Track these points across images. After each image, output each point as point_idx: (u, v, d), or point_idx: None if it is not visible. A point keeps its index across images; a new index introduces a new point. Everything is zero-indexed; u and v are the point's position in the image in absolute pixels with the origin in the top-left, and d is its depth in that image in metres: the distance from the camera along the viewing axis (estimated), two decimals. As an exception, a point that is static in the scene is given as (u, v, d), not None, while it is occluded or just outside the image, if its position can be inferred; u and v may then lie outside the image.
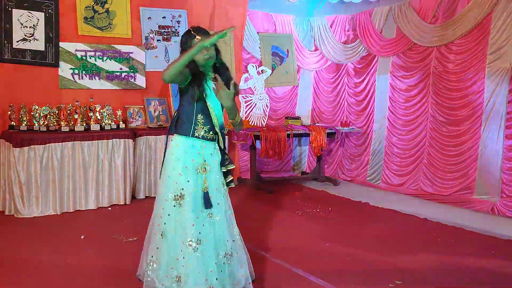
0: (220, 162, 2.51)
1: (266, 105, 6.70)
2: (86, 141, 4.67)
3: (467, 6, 5.01)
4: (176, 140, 2.44)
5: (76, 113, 4.81)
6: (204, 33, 2.42)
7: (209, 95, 2.44)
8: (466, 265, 3.30)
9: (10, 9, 4.86)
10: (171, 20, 5.83)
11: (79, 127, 4.77)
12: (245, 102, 6.53)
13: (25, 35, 4.95)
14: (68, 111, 4.81)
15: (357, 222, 4.42)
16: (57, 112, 4.79)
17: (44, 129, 4.65)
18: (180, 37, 2.50)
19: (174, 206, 2.36)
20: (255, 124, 6.53)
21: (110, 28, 5.43)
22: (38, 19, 5.00)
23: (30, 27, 4.96)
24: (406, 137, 5.81)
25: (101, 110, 4.95)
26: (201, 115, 2.42)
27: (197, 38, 2.35)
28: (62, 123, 4.77)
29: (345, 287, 2.91)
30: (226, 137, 5.69)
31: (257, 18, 6.65)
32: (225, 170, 2.55)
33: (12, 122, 4.67)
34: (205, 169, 2.41)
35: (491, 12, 4.82)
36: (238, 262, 2.50)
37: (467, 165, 5.12)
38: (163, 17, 5.76)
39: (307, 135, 6.04)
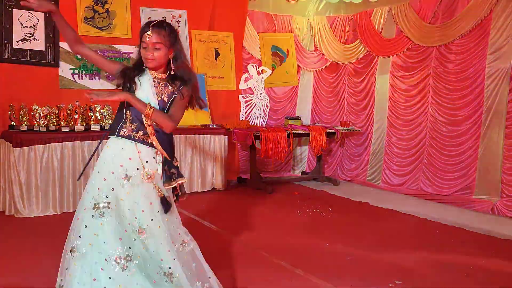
0: (161, 176, 2.16)
1: (266, 105, 6.70)
2: (86, 141, 4.66)
3: (467, 6, 5.01)
4: (108, 141, 2.20)
5: (76, 113, 4.81)
6: (161, 31, 2.12)
7: (140, 88, 2.16)
8: (466, 265, 3.31)
9: (10, 9, 4.85)
10: (171, 20, 5.83)
11: (79, 127, 4.77)
12: (245, 102, 6.53)
13: (25, 35, 4.95)
14: (68, 111, 4.81)
15: (357, 222, 4.42)
16: (57, 112, 4.79)
17: (44, 129, 4.65)
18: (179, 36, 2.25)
19: (93, 216, 2.05)
20: (255, 124, 6.53)
21: (110, 28, 5.43)
22: (38, 19, 5.00)
23: (30, 27, 4.97)
24: (406, 137, 5.81)
25: (101, 110, 4.95)
26: (129, 110, 2.13)
27: (148, 34, 2.09)
28: (62, 123, 4.76)
29: (345, 287, 2.91)
30: (226, 137, 5.69)
31: (257, 18, 6.64)
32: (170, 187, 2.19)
33: (12, 122, 4.67)
34: (150, 176, 2.11)
35: (491, 12, 4.82)
36: (185, 280, 2.09)
37: (467, 165, 5.12)
38: (163, 17, 5.75)
39: (307, 135, 6.04)
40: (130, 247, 2.04)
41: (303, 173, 6.93)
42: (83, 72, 5.25)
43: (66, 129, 4.71)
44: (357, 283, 2.96)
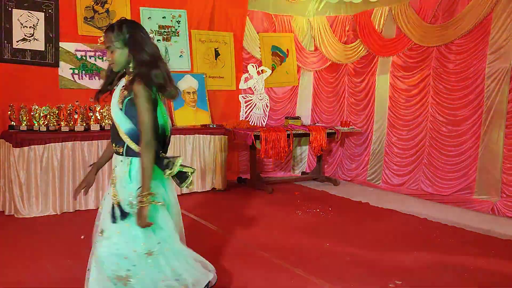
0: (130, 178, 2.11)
1: (266, 105, 6.70)
2: (86, 141, 4.66)
3: (467, 6, 5.01)
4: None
5: (76, 113, 4.81)
6: (111, 32, 2.06)
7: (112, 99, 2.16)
8: (466, 265, 3.30)
9: (10, 9, 4.85)
10: (171, 20, 5.83)
11: (79, 127, 4.77)
12: (245, 102, 6.53)
13: (25, 35, 4.95)
14: (68, 111, 4.81)
15: (357, 222, 4.42)
16: (57, 112, 4.78)
17: (44, 129, 4.64)
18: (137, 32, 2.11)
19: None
20: (255, 124, 6.53)
21: (110, 28, 5.42)
22: (38, 19, 5.00)
23: (30, 27, 4.96)
24: (406, 137, 5.80)
25: (101, 110, 4.95)
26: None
27: (100, 39, 2.11)
28: (62, 123, 4.76)
29: (345, 287, 2.90)
30: (226, 137, 5.69)
31: (257, 18, 6.64)
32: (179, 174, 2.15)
33: (12, 122, 4.66)
34: (113, 180, 2.15)
35: (491, 12, 4.82)
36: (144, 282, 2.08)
37: (467, 165, 5.12)
38: (163, 17, 5.76)
39: (307, 135, 6.04)
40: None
41: (303, 173, 6.93)
42: (83, 72, 5.24)
43: (66, 129, 4.71)
44: (357, 283, 2.96)
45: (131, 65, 2.10)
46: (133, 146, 2.09)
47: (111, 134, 2.19)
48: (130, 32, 2.06)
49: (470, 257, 3.45)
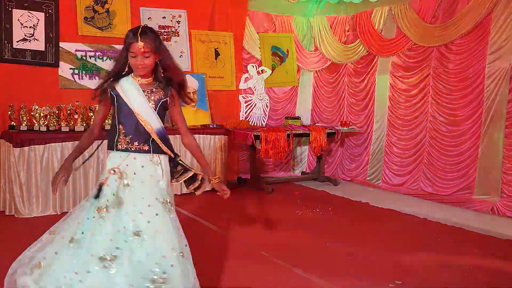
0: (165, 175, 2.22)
1: (266, 105, 6.70)
2: (86, 141, 4.66)
3: (467, 6, 5.01)
4: (109, 154, 2.28)
5: (76, 113, 4.81)
6: (150, 38, 2.15)
7: (129, 97, 2.20)
8: (466, 265, 3.31)
9: (10, 9, 4.86)
10: (171, 20, 5.84)
11: (79, 127, 4.77)
12: (245, 102, 6.54)
13: (25, 35, 4.95)
14: (68, 111, 4.81)
15: (357, 222, 4.42)
16: (57, 112, 4.79)
17: (44, 129, 4.64)
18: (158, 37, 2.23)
19: (94, 217, 2.12)
20: (255, 124, 6.53)
21: (110, 28, 5.43)
22: (38, 19, 5.00)
23: (30, 27, 4.96)
24: (406, 137, 5.81)
25: (101, 110, 4.95)
26: (122, 124, 2.21)
27: (138, 45, 2.11)
28: (62, 123, 4.76)
29: (345, 286, 2.91)
30: (226, 137, 5.70)
31: (257, 18, 6.65)
32: (187, 179, 2.31)
33: (12, 122, 4.66)
34: (115, 171, 2.16)
35: (491, 12, 4.82)
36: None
37: (467, 165, 5.12)
38: (163, 17, 5.77)
39: (307, 135, 6.04)
40: (117, 248, 2.05)
41: (303, 173, 6.94)
42: (83, 72, 5.25)
43: (66, 129, 4.71)
44: (357, 283, 2.96)
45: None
46: (161, 144, 2.21)
47: (128, 130, 2.20)
48: (160, 40, 2.21)
49: (470, 257, 3.46)
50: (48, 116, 4.71)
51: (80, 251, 2.08)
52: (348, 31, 6.66)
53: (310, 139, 5.97)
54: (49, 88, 5.04)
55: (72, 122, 4.81)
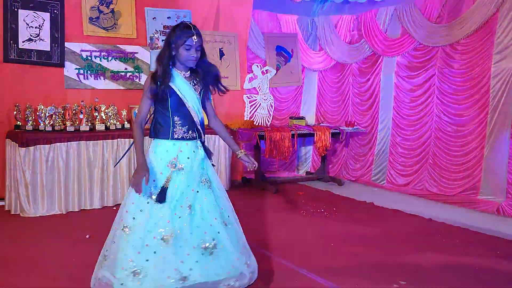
0: (206, 155, 2.61)
1: (271, 105, 6.70)
2: (91, 140, 4.68)
3: (473, 6, 4.98)
4: (158, 142, 2.51)
5: (81, 113, 4.83)
6: (200, 34, 2.45)
7: (183, 91, 2.46)
8: (471, 265, 3.29)
9: (16, 9, 4.88)
10: (176, 20, 5.84)
11: (84, 127, 4.79)
12: (250, 102, 6.54)
13: (31, 36, 4.97)
14: (74, 111, 4.83)
15: (361, 222, 4.41)
16: (62, 112, 4.81)
17: (50, 129, 4.67)
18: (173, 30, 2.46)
19: (148, 202, 2.38)
20: (260, 124, 6.53)
21: (115, 28, 5.45)
22: (44, 20, 5.03)
23: (35, 27, 4.99)
24: (411, 137, 5.79)
25: (106, 110, 4.97)
26: (177, 116, 2.47)
27: (194, 38, 2.39)
28: (68, 123, 4.79)
29: (349, 286, 2.90)
30: (230, 137, 5.69)
31: (262, 18, 6.65)
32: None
33: (18, 122, 4.69)
34: (174, 165, 2.44)
35: (496, 11, 4.79)
36: (227, 253, 2.44)
37: (473, 165, 5.10)
38: (168, 17, 5.78)
39: (312, 135, 6.04)
40: (174, 226, 2.36)
41: (307, 173, 6.93)
42: (88, 72, 5.27)
43: (72, 129, 4.73)
44: (361, 283, 2.96)
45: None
46: (202, 132, 2.58)
47: (184, 121, 2.47)
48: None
49: (475, 258, 3.44)
50: (54, 116, 4.73)
51: (135, 235, 2.33)
52: (353, 31, 6.65)
53: (315, 139, 5.97)
54: (54, 88, 5.07)
55: (77, 122, 4.83)
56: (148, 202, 2.37)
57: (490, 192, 4.94)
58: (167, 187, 2.40)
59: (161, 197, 2.37)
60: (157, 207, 2.36)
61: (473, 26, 4.96)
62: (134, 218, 2.37)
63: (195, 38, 2.39)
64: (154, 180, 2.42)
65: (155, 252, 2.32)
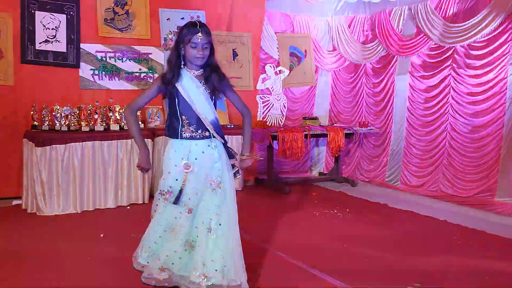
0: (225, 156, 2.64)
1: (284, 106, 6.70)
2: (105, 141, 4.73)
3: (489, 5, 4.91)
4: (169, 142, 2.59)
5: (96, 113, 4.89)
6: (207, 32, 2.44)
7: (188, 92, 2.48)
8: (487, 268, 3.24)
9: (33, 11, 4.96)
10: (190, 21, 5.87)
11: (99, 127, 4.84)
12: (263, 103, 6.54)
13: (48, 37, 5.05)
14: (88, 111, 4.89)
15: (375, 224, 4.38)
16: (77, 112, 4.87)
17: (65, 129, 4.73)
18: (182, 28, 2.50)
19: (159, 199, 2.60)
20: (273, 125, 6.53)
21: (130, 29, 5.50)
22: (60, 21, 5.10)
23: (52, 29, 5.07)
24: (426, 138, 5.73)
25: (121, 110, 5.02)
26: (185, 115, 2.51)
27: (199, 35, 2.39)
28: (83, 123, 4.85)
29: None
30: (249, 136, 5.69)
31: (275, 18, 6.65)
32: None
33: (35, 122, 4.77)
34: (188, 166, 2.50)
35: (514, 10, 4.72)
36: (201, 257, 2.55)
37: (489, 166, 5.03)
38: (181, 18, 5.81)
39: (325, 135, 6.02)
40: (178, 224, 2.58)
41: (320, 173, 6.91)
42: (103, 72, 5.33)
43: (86, 129, 4.79)
44: (374, 285, 2.93)
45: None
46: (214, 133, 2.59)
47: (191, 120, 2.51)
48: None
49: (491, 261, 3.39)
50: (69, 116, 4.79)
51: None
52: (366, 30, 6.61)
53: (328, 140, 5.94)
54: (70, 89, 5.14)
55: (92, 122, 4.88)
56: (158, 199, 2.63)
57: (506, 194, 4.87)
58: (183, 189, 2.50)
59: (176, 199, 2.51)
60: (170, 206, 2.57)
61: (490, 26, 4.89)
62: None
63: (200, 35, 2.39)
64: (169, 172, 2.56)
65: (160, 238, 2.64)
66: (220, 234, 2.55)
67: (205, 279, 2.51)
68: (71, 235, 3.86)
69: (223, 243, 2.55)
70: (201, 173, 2.53)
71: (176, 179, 2.53)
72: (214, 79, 2.53)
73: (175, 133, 2.53)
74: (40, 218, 4.37)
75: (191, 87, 2.49)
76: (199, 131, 2.53)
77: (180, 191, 2.50)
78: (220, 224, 2.56)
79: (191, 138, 2.52)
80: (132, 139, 2.68)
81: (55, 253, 3.41)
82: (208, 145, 2.56)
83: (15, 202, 4.82)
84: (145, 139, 4.83)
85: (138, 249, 2.83)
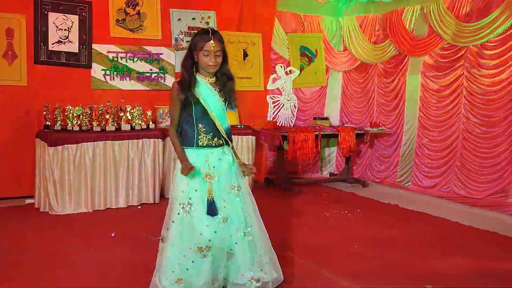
0: (234, 161, 2.62)
1: (294, 106, 6.68)
2: (117, 140, 4.76)
3: (502, 4, 4.85)
4: (185, 150, 2.53)
5: (108, 113, 4.92)
6: (219, 39, 2.42)
7: (206, 99, 2.46)
8: (499, 270, 3.20)
9: (46, 12, 5.02)
10: (200, 21, 5.90)
11: (110, 127, 4.87)
12: (273, 103, 6.53)
13: (60, 38, 5.10)
14: (100, 111, 4.92)
15: (386, 225, 4.35)
16: (89, 112, 4.90)
17: (77, 129, 4.77)
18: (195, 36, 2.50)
19: (179, 214, 2.46)
20: (283, 125, 6.52)
21: (141, 29, 5.53)
22: (73, 22, 5.15)
23: (65, 29, 5.12)
24: (438, 138, 5.67)
25: (132, 111, 5.04)
26: (201, 123, 2.49)
27: (211, 43, 2.38)
28: (94, 123, 4.88)
29: (373, 290, 2.87)
30: (254, 137, 5.71)
31: (286, 18, 6.63)
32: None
33: (47, 122, 4.82)
34: (211, 176, 2.49)
35: (528, 9, 4.65)
36: (244, 262, 2.57)
37: (502, 167, 4.96)
38: (192, 18, 5.83)
39: (336, 136, 5.99)
40: (209, 239, 2.46)
41: (331, 174, 6.88)
42: (115, 73, 5.37)
43: (98, 129, 4.82)
44: (385, 286, 2.91)
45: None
46: (228, 141, 2.57)
47: (208, 128, 2.50)
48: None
49: (504, 263, 3.35)
50: (81, 116, 4.83)
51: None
52: (378, 30, 6.56)
53: (339, 140, 5.92)
54: (82, 89, 5.19)
55: (103, 122, 4.92)
56: (178, 214, 2.51)
57: (520, 195, 4.80)
58: (213, 199, 2.47)
59: (211, 210, 2.46)
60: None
61: (503, 26, 4.83)
62: (167, 230, 2.57)
63: (213, 43, 2.38)
64: (188, 184, 2.51)
65: (193, 262, 2.46)
66: (254, 234, 2.60)
67: (254, 282, 2.56)
68: (82, 234, 3.89)
69: (259, 243, 2.61)
70: (222, 180, 2.53)
71: (196, 190, 2.47)
72: (230, 89, 2.55)
73: (190, 142, 2.50)
74: (52, 217, 4.42)
75: (208, 95, 2.48)
76: (215, 139, 2.52)
77: (212, 202, 2.46)
78: (251, 226, 2.60)
79: (208, 146, 2.50)
80: (174, 150, 2.63)
81: (67, 252, 3.44)
82: (222, 152, 2.56)
83: (28, 201, 4.88)
84: (156, 139, 4.94)
85: (155, 279, 2.56)
